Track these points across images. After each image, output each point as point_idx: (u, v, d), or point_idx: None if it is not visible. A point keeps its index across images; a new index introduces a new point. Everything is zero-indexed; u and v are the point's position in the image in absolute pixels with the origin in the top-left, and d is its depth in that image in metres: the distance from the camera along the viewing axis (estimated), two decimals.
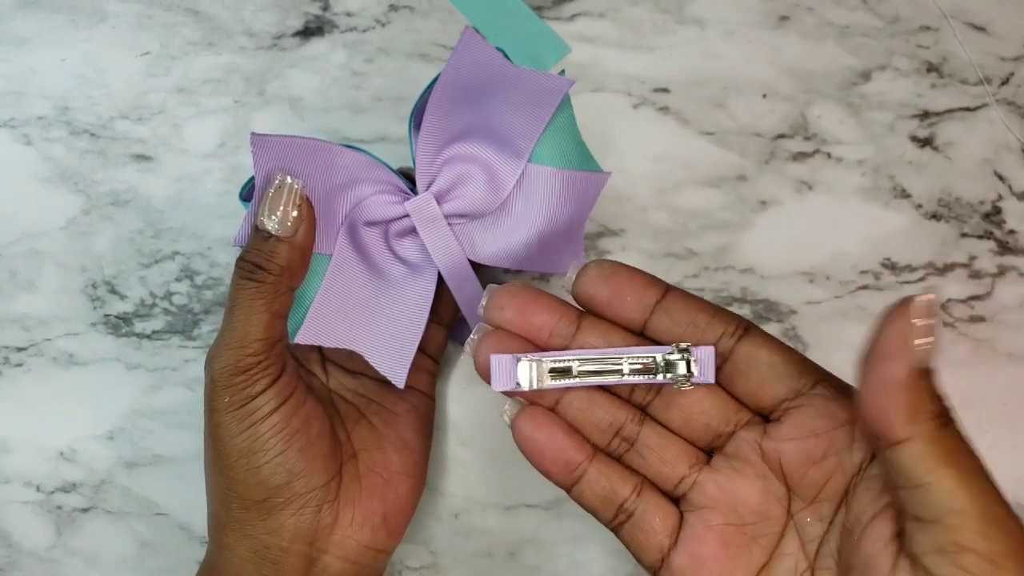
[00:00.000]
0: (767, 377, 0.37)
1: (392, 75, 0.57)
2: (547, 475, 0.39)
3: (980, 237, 0.56)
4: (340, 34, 0.58)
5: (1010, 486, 0.53)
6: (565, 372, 0.38)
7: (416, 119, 0.45)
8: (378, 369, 0.46)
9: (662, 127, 0.57)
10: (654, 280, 0.39)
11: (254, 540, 0.43)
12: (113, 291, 0.56)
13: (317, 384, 0.49)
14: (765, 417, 0.39)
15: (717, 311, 0.38)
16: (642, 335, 0.39)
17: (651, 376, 0.38)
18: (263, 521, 0.43)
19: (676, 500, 0.40)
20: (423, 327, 0.47)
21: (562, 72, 0.44)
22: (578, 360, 0.38)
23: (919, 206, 0.56)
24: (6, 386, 0.55)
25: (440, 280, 0.47)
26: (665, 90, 0.57)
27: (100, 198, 0.56)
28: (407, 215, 0.46)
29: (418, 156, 0.45)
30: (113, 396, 0.55)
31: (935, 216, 0.56)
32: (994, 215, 0.56)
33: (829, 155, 0.56)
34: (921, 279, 0.55)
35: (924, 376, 0.32)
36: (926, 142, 0.56)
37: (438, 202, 0.46)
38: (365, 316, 0.46)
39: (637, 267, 0.39)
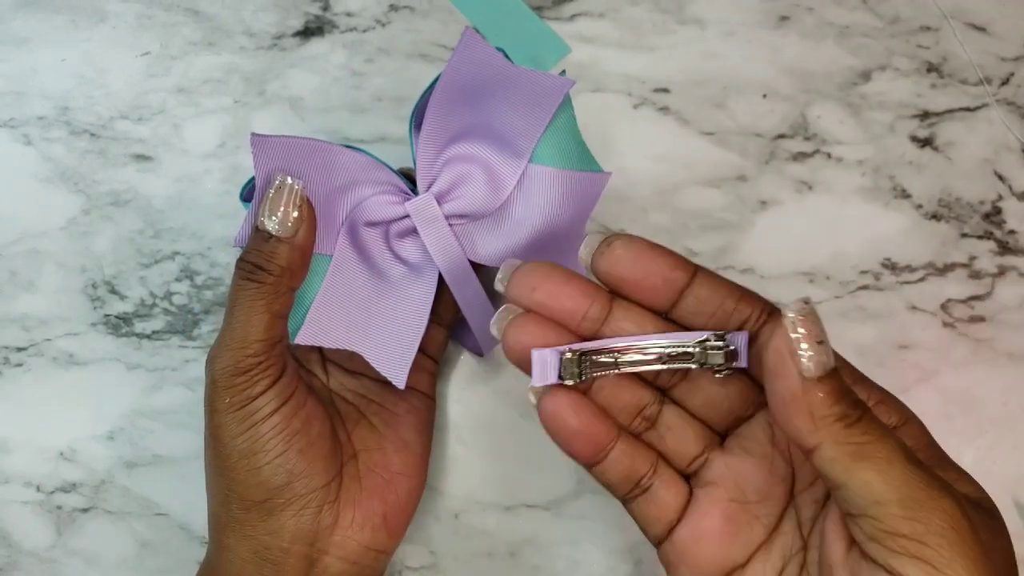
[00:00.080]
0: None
1: (392, 75, 0.57)
2: (573, 456, 0.39)
3: (980, 237, 0.56)
4: (340, 34, 0.58)
5: (1010, 486, 0.53)
6: (607, 365, 0.37)
7: (416, 119, 0.45)
8: (378, 370, 0.46)
9: (662, 127, 0.57)
10: (682, 260, 0.38)
11: (254, 541, 0.43)
12: (113, 291, 0.56)
13: (317, 384, 0.49)
14: None
15: (743, 294, 0.38)
16: (668, 316, 0.39)
17: (687, 363, 0.37)
18: (263, 522, 0.43)
19: (687, 477, 0.40)
20: (423, 328, 0.47)
21: (562, 72, 0.44)
22: (619, 353, 0.37)
23: (919, 206, 0.56)
24: (6, 386, 0.55)
25: (441, 281, 0.47)
26: (665, 90, 0.57)
27: (100, 198, 0.56)
28: (408, 216, 0.46)
29: (419, 156, 0.45)
30: (113, 396, 0.55)
31: (935, 216, 0.56)
32: (994, 215, 0.56)
33: (829, 155, 0.56)
34: (921, 279, 0.55)
35: (820, 382, 0.33)
36: (926, 142, 0.56)
37: (439, 202, 0.46)
38: (365, 317, 0.46)
39: (661, 244, 0.38)
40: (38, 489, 0.55)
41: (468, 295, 0.48)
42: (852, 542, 0.34)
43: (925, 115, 0.57)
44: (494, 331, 0.39)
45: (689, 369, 0.38)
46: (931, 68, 0.57)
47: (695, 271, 0.38)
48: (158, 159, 0.57)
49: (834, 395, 0.33)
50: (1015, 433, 0.54)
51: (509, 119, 0.44)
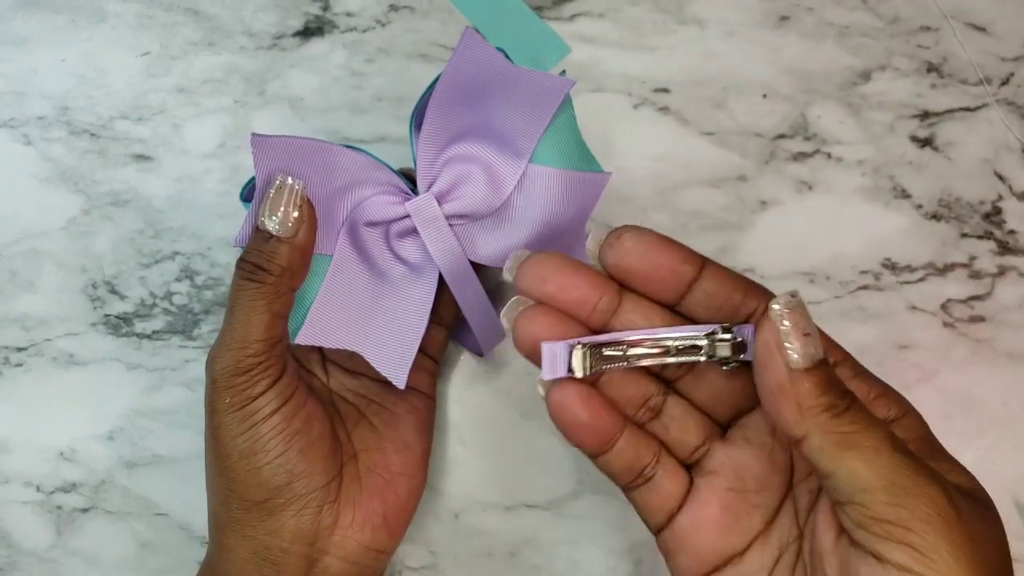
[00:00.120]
0: None
1: (392, 75, 0.57)
2: (579, 447, 0.39)
3: (980, 237, 0.56)
4: (340, 34, 0.58)
5: (1010, 486, 0.53)
6: (616, 358, 0.37)
7: (417, 119, 0.45)
8: (379, 370, 0.46)
9: (662, 127, 0.57)
10: (690, 253, 0.38)
11: (254, 541, 0.43)
12: (113, 291, 0.56)
13: (318, 385, 0.49)
14: None
15: (750, 287, 0.38)
16: (675, 308, 0.39)
17: (696, 357, 0.37)
18: (263, 522, 0.43)
19: (688, 467, 0.41)
20: (424, 328, 0.47)
21: (562, 72, 0.44)
22: (629, 346, 0.37)
23: (919, 206, 0.56)
24: (6, 386, 0.55)
25: (441, 281, 0.47)
26: (665, 90, 0.57)
27: (100, 198, 0.56)
28: (408, 216, 0.46)
29: (419, 156, 0.45)
30: (113, 396, 0.55)
31: (935, 216, 0.56)
32: (994, 215, 0.56)
33: (829, 155, 0.56)
34: (921, 279, 0.55)
35: (807, 373, 0.33)
36: (926, 142, 0.56)
37: (439, 202, 0.46)
38: (366, 317, 0.46)
39: (670, 237, 0.38)
40: (38, 489, 0.55)
41: (468, 295, 0.48)
42: (841, 530, 0.35)
43: (925, 115, 0.57)
44: (504, 322, 0.39)
45: (697, 362, 0.38)
46: (931, 68, 0.57)
47: (703, 264, 0.38)
48: (158, 159, 0.57)
49: (822, 386, 0.33)
50: (1015, 433, 0.54)
51: (509, 119, 0.44)
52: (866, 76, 0.57)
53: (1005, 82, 0.57)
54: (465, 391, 0.54)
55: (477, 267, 0.48)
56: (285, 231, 0.42)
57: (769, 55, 0.57)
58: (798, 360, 0.33)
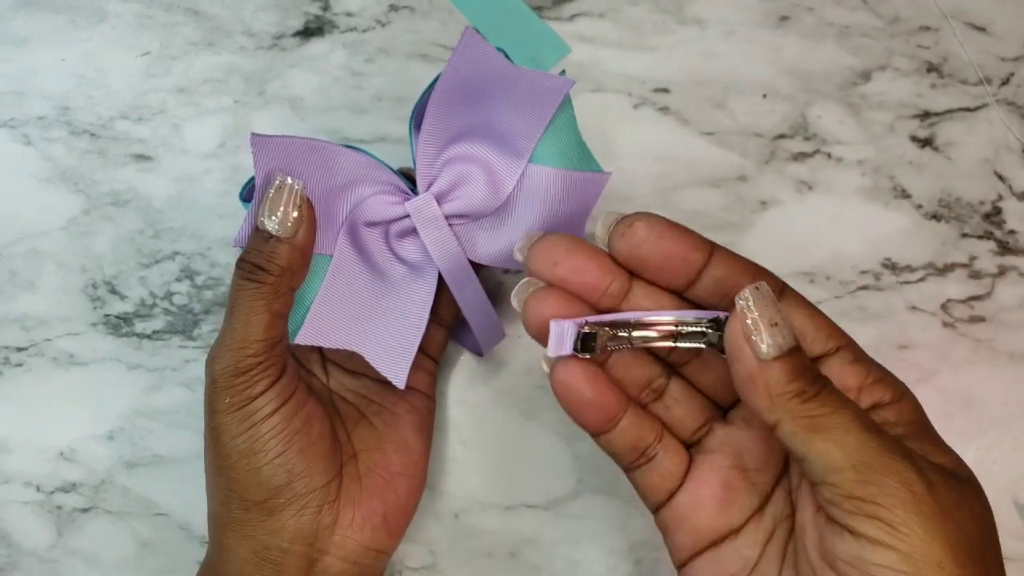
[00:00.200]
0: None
1: (392, 75, 0.57)
2: (583, 425, 0.40)
3: (980, 237, 0.56)
4: (340, 34, 0.58)
5: (1010, 486, 0.53)
6: (622, 339, 0.38)
7: (416, 119, 0.45)
8: (378, 370, 0.46)
9: (662, 127, 0.57)
10: (701, 241, 0.38)
11: (254, 541, 0.43)
12: (113, 291, 0.56)
13: (317, 384, 0.49)
14: None
15: (758, 272, 0.38)
16: (684, 295, 0.39)
17: (699, 343, 0.38)
18: (263, 522, 0.43)
19: (688, 446, 0.41)
20: (424, 328, 0.47)
21: (562, 72, 0.44)
22: (634, 328, 0.38)
23: (919, 206, 0.56)
24: (6, 386, 0.55)
25: (441, 281, 0.47)
26: (665, 90, 0.57)
27: (100, 198, 0.56)
28: (407, 215, 0.46)
29: (418, 156, 0.45)
30: (113, 396, 0.55)
31: (935, 216, 0.56)
32: (994, 215, 0.56)
33: (829, 155, 0.56)
34: (921, 279, 0.55)
35: (776, 362, 0.34)
36: (926, 142, 0.56)
37: (438, 202, 0.46)
38: (365, 317, 0.46)
39: (679, 224, 0.38)
40: (38, 489, 0.55)
41: (468, 295, 0.48)
42: (819, 507, 0.35)
43: (925, 115, 0.57)
44: (515, 303, 0.39)
45: (702, 349, 0.38)
46: (931, 68, 0.57)
47: (712, 250, 0.38)
48: (158, 159, 0.57)
49: (791, 373, 0.34)
50: (1015, 433, 0.54)
51: (509, 119, 0.44)
52: (866, 76, 0.57)
53: (1005, 82, 0.57)
54: (465, 391, 0.54)
55: (477, 267, 0.48)
56: (285, 231, 0.42)
57: (769, 55, 0.57)
58: (766, 350, 0.34)
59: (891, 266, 0.55)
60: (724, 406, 0.42)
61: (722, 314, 0.37)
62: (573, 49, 0.57)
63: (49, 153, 0.57)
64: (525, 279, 0.39)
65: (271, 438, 0.42)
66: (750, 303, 0.35)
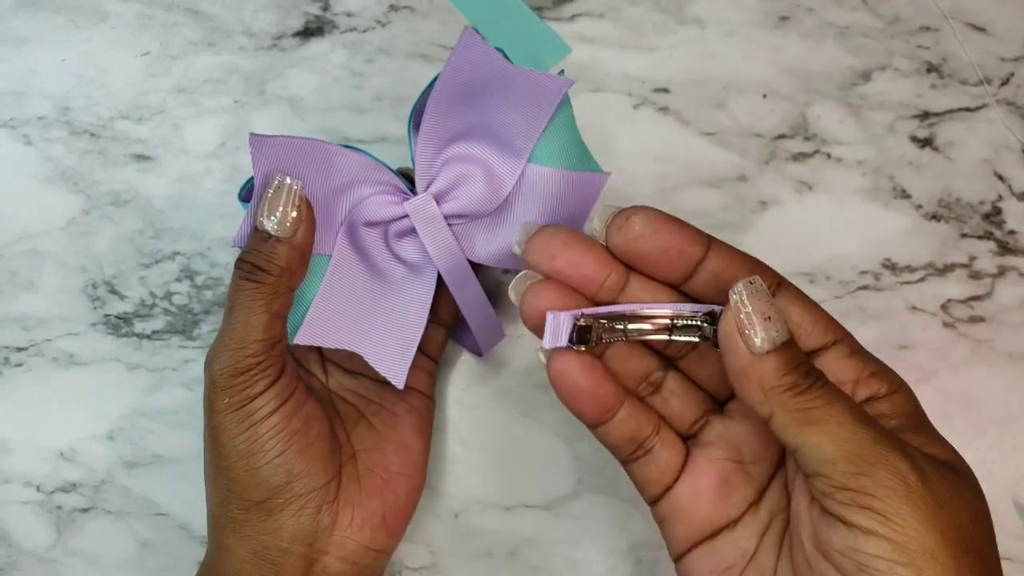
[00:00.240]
0: (795, 334, 0.38)
1: (392, 75, 0.57)
2: (580, 416, 0.40)
3: (980, 237, 0.56)
4: (340, 34, 0.58)
5: (1010, 486, 0.53)
6: (617, 331, 0.38)
7: (415, 119, 0.45)
8: (377, 370, 0.46)
9: (662, 127, 0.57)
10: (698, 234, 0.38)
11: (253, 541, 0.43)
12: (113, 291, 0.56)
13: (317, 384, 0.49)
14: None
15: (756, 266, 0.39)
16: (681, 288, 0.40)
17: (693, 337, 0.38)
18: (262, 522, 0.43)
19: (685, 439, 0.41)
20: (423, 328, 0.47)
21: (561, 72, 0.44)
22: (630, 321, 0.38)
23: (919, 206, 0.56)
24: (6, 386, 0.55)
25: (440, 280, 0.47)
26: (665, 90, 0.57)
27: (100, 198, 0.56)
28: (406, 215, 0.46)
29: (417, 156, 0.45)
30: (113, 396, 0.55)
31: (935, 216, 0.56)
32: (994, 215, 0.56)
33: (829, 155, 0.56)
34: (921, 279, 0.55)
35: (769, 355, 0.34)
36: (926, 142, 0.56)
37: (437, 202, 0.46)
38: (364, 317, 0.46)
39: (677, 217, 0.38)
40: (38, 489, 0.55)
41: (467, 295, 0.48)
42: (813, 498, 0.35)
43: (925, 115, 0.57)
44: (512, 296, 0.39)
45: (697, 343, 0.38)
46: (931, 68, 0.57)
47: (709, 243, 0.38)
48: (158, 159, 0.57)
49: (784, 367, 0.34)
50: (1015, 433, 0.54)
51: (508, 119, 0.44)
52: (866, 76, 0.57)
53: (1005, 82, 0.57)
54: (465, 391, 0.54)
55: (476, 267, 0.48)
56: (283, 231, 0.42)
57: (769, 55, 0.57)
58: (759, 344, 0.34)
59: (891, 266, 0.55)
60: (721, 399, 0.42)
61: (717, 308, 0.37)
62: (573, 49, 0.57)
63: (49, 153, 0.57)
64: (523, 272, 0.40)
65: (270, 438, 0.42)
66: (743, 296, 0.35)
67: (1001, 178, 0.56)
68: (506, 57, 0.43)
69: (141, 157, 0.57)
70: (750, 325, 0.34)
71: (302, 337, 0.45)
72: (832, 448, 0.33)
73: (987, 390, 0.54)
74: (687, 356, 0.42)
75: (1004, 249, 0.56)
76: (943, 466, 0.35)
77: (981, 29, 0.58)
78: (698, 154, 0.56)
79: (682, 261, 0.38)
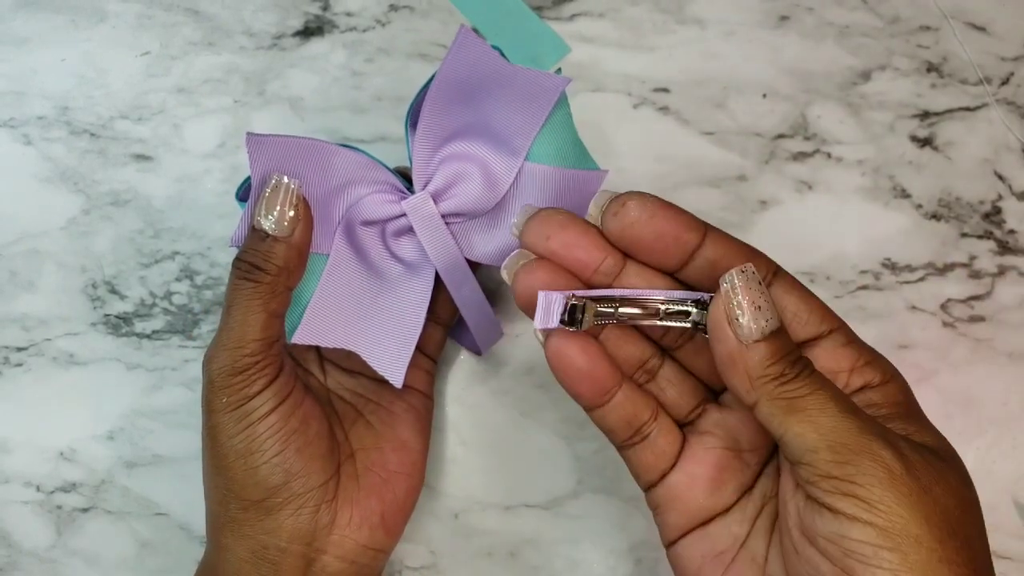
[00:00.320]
0: (791, 323, 0.38)
1: (392, 75, 0.57)
2: (577, 396, 0.39)
3: (980, 237, 0.56)
4: (340, 34, 0.58)
5: (1010, 486, 0.53)
6: (608, 315, 0.38)
7: (412, 118, 0.45)
8: (376, 369, 0.46)
9: (662, 127, 0.57)
10: (694, 221, 0.38)
11: (252, 540, 0.43)
12: (113, 291, 0.56)
13: (315, 384, 0.49)
14: None
15: (752, 254, 0.38)
16: (677, 276, 0.39)
17: (683, 323, 0.38)
18: (261, 521, 0.43)
19: (681, 427, 0.41)
20: (421, 326, 0.47)
21: (558, 70, 0.44)
22: (620, 304, 0.38)
23: (919, 206, 0.56)
24: (6, 386, 0.55)
25: (438, 279, 0.47)
26: (665, 90, 0.57)
27: (100, 198, 0.56)
28: (404, 214, 0.46)
29: (414, 155, 0.45)
30: (113, 396, 0.55)
31: (935, 216, 0.56)
32: (994, 215, 0.56)
33: (829, 155, 0.56)
34: (921, 279, 0.55)
35: (757, 344, 0.35)
36: (926, 142, 0.56)
37: (435, 201, 0.46)
38: (362, 316, 0.46)
39: (673, 203, 0.38)
40: (38, 489, 0.55)
41: (465, 293, 0.48)
42: (798, 484, 0.36)
43: (925, 115, 0.57)
44: (504, 275, 0.39)
45: (686, 328, 0.38)
46: (931, 68, 0.57)
47: (706, 231, 0.38)
48: (158, 159, 0.57)
49: (772, 356, 0.35)
50: (1015, 433, 0.54)
51: (505, 117, 0.44)
52: (866, 76, 0.57)
53: (1005, 82, 0.57)
54: (464, 390, 0.54)
55: (474, 265, 0.48)
56: (281, 230, 0.42)
57: (769, 55, 0.57)
58: (748, 333, 0.35)
59: (891, 266, 0.55)
60: (717, 389, 0.42)
61: (709, 296, 0.37)
62: (573, 49, 0.57)
63: (49, 153, 0.57)
64: (516, 251, 0.39)
65: (268, 437, 0.42)
66: (735, 285, 0.35)
67: (1001, 178, 0.56)
68: (503, 55, 0.43)
69: (141, 157, 0.57)
70: (740, 313, 0.35)
71: (300, 336, 0.45)
72: (816, 437, 0.34)
73: (987, 389, 0.54)
74: (684, 346, 0.41)
75: (1004, 248, 0.55)
76: (929, 453, 0.35)
77: (981, 29, 0.58)
78: (698, 154, 0.56)
79: (678, 248, 0.38)
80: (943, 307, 0.55)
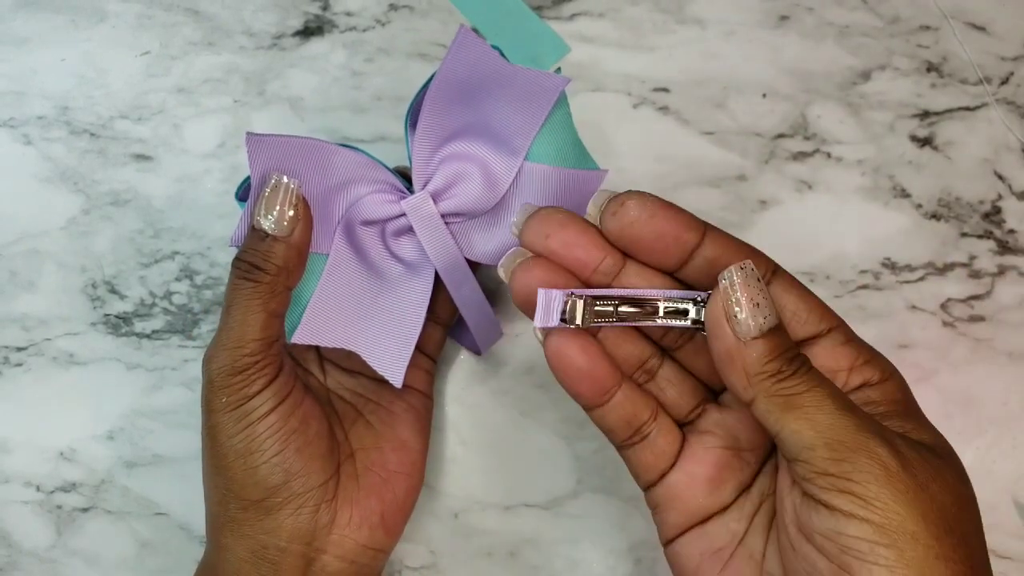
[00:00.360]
0: (790, 322, 0.38)
1: (392, 75, 0.57)
2: (576, 395, 0.39)
3: (980, 237, 0.56)
4: (340, 34, 0.58)
5: (1010, 485, 0.53)
6: (607, 314, 0.37)
7: (412, 118, 0.45)
8: (375, 368, 0.46)
9: (662, 127, 0.57)
10: (693, 220, 0.38)
11: (252, 540, 0.43)
12: (113, 291, 0.56)
13: (315, 383, 0.49)
14: None
15: (752, 253, 0.38)
16: (676, 275, 0.39)
17: (683, 322, 0.38)
18: (261, 521, 0.43)
19: (681, 426, 0.41)
20: (420, 326, 0.47)
21: (558, 70, 0.44)
22: (620, 302, 0.37)
23: (919, 206, 0.56)
24: (6, 386, 0.55)
25: (438, 279, 0.47)
26: (665, 90, 0.57)
27: (100, 198, 0.56)
28: (404, 214, 0.46)
29: (414, 155, 0.45)
30: (113, 396, 0.55)
31: (935, 216, 0.56)
32: (994, 215, 0.56)
33: (829, 155, 0.56)
34: (921, 279, 0.55)
35: (755, 341, 0.35)
36: (926, 142, 0.56)
37: (434, 201, 0.46)
38: (362, 315, 0.46)
39: (672, 203, 0.38)
40: (38, 489, 0.55)
41: (465, 293, 0.48)
42: (795, 480, 0.36)
43: (925, 115, 0.57)
44: (502, 273, 0.39)
45: (685, 328, 0.38)
46: (931, 68, 0.57)
47: (705, 230, 0.38)
48: (158, 159, 0.57)
49: (770, 353, 0.35)
50: (1015, 432, 0.54)
51: (505, 117, 0.44)
52: (866, 76, 0.57)
53: (1005, 81, 0.57)
54: (464, 390, 0.54)
55: (474, 265, 0.48)
56: (281, 230, 0.42)
57: (769, 55, 0.57)
58: (745, 331, 0.35)
59: (891, 265, 0.55)
60: (717, 390, 0.42)
61: (709, 294, 0.37)
62: (573, 49, 0.57)
63: (49, 153, 0.57)
64: (514, 248, 0.39)
65: (268, 437, 0.42)
66: (734, 281, 0.35)
67: (1001, 177, 0.56)
68: (503, 55, 0.43)
69: (141, 157, 0.57)
70: (739, 310, 0.35)
71: (300, 336, 0.45)
72: (812, 434, 0.34)
73: (987, 389, 0.54)
74: (684, 347, 0.41)
75: (1004, 248, 0.55)
76: (926, 450, 0.35)
77: (981, 28, 0.58)
78: (698, 153, 0.56)
79: (677, 247, 0.38)
80: (943, 307, 0.55)
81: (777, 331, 0.35)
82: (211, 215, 0.56)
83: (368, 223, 0.46)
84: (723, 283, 0.35)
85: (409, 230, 0.46)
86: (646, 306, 0.37)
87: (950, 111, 0.57)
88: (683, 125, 0.57)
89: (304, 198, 0.43)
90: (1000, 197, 0.56)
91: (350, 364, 0.50)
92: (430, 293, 0.47)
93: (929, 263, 0.55)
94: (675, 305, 0.37)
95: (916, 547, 0.32)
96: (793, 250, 0.55)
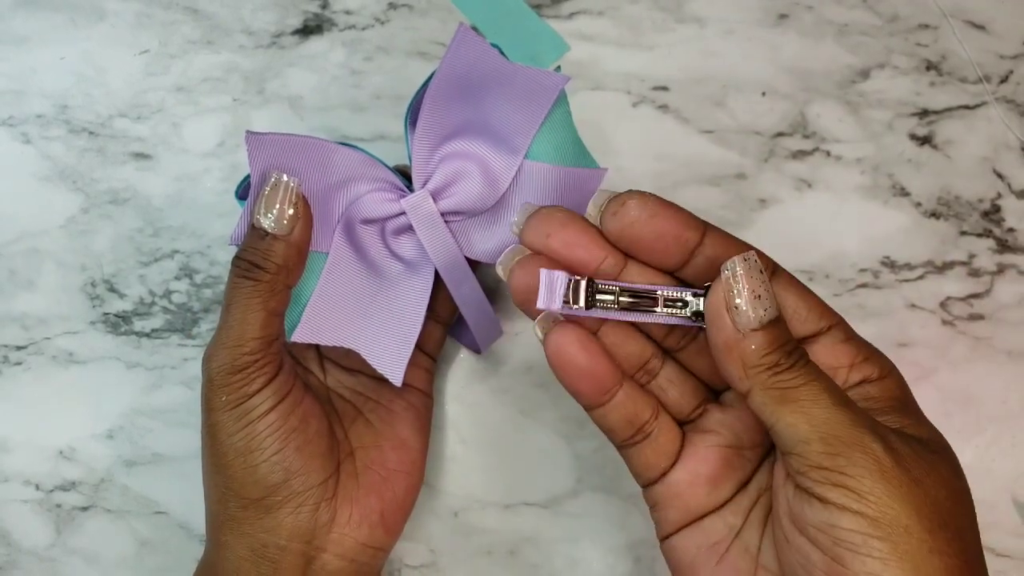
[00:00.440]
0: (790, 320, 0.38)
1: (391, 73, 0.57)
2: (577, 394, 0.39)
3: (979, 235, 0.56)
4: (339, 32, 0.58)
5: (1009, 484, 0.53)
6: (608, 302, 0.37)
7: (412, 116, 0.45)
8: (375, 367, 0.46)
9: (661, 125, 0.57)
10: (693, 220, 0.38)
11: (252, 539, 0.43)
12: (112, 290, 0.56)
13: (314, 382, 0.49)
14: None
15: (750, 251, 0.38)
16: (677, 275, 0.39)
17: (683, 313, 0.38)
18: (261, 519, 0.43)
19: (681, 425, 0.42)
20: (420, 325, 0.47)
21: (558, 69, 0.44)
22: (621, 292, 0.37)
23: (918, 204, 0.56)
24: (6, 385, 0.55)
25: (438, 278, 0.47)
26: (664, 88, 0.57)
27: (99, 197, 0.56)
28: (403, 213, 0.46)
29: (414, 153, 0.45)
30: (112, 395, 0.55)
31: (934, 214, 0.56)
32: (993, 213, 0.56)
33: (828, 153, 0.56)
34: (920, 277, 0.55)
35: (755, 333, 0.35)
36: (925, 140, 0.56)
37: (434, 199, 0.46)
38: (362, 314, 0.46)
39: (672, 202, 0.38)
40: (37, 488, 0.55)
41: (465, 292, 0.48)
42: (789, 473, 0.36)
43: (924, 113, 0.57)
44: (500, 271, 0.39)
45: (686, 320, 0.38)
46: (930, 66, 0.57)
47: (705, 229, 0.38)
48: (157, 158, 0.57)
49: (768, 345, 0.35)
50: (1014, 431, 0.54)
51: (504, 115, 0.44)
52: (865, 74, 0.57)
53: (1004, 80, 0.57)
54: (463, 389, 0.54)
55: (473, 264, 0.48)
56: (280, 228, 0.42)
57: (768, 53, 0.57)
58: (746, 321, 0.35)
59: (890, 264, 0.55)
60: (719, 390, 0.42)
61: (709, 286, 0.37)
62: (572, 47, 0.57)
63: (48, 152, 0.57)
64: (512, 246, 0.39)
65: (267, 436, 0.42)
66: (736, 272, 0.35)
67: (1000, 176, 0.56)
68: (502, 54, 0.43)
69: (140, 156, 0.57)
70: (740, 301, 0.35)
71: (299, 335, 0.45)
72: (807, 428, 0.34)
73: (986, 388, 0.54)
74: (686, 348, 0.41)
75: (1003, 247, 0.55)
76: (920, 445, 0.35)
77: (980, 27, 0.58)
78: (697, 152, 0.56)
79: (678, 247, 0.38)
80: (942, 305, 0.55)
81: (777, 324, 0.35)
82: (210, 214, 0.56)
83: (368, 221, 0.46)
84: (725, 273, 0.35)
85: (409, 229, 0.46)
86: (647, 297, 0.37)
87: (949, 110, 0.57)
88: (682, 124, 0.57)
89: (304, 196, 0.43)
90: (999, 196, 0.56)
91: (350, 362, 0.50)
92: (430, 291, 0.47)
93: (928, 262, 0.55)
94: (675, 294, 0.37)
95: (910, 540, 0.32)
96: (792, 249, 0.55)
